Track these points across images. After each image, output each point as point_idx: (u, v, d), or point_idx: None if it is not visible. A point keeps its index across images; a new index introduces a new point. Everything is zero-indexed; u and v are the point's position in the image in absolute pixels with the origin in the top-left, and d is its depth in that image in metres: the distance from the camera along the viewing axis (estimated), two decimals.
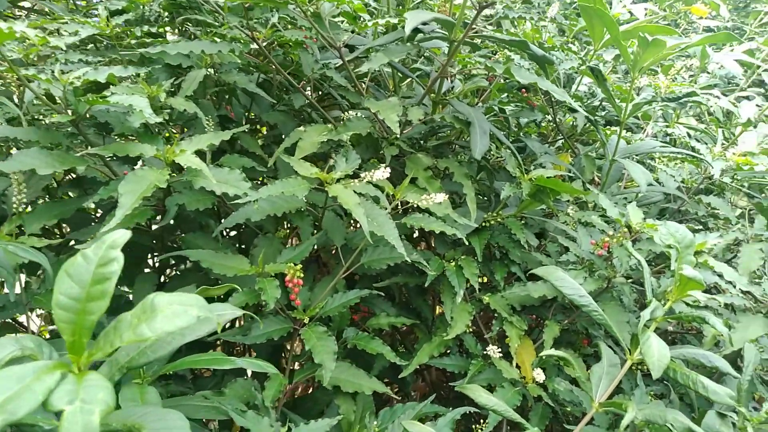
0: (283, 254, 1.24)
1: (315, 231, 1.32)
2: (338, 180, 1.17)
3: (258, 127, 1.71)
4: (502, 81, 1.83)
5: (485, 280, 1.52)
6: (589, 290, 1.28)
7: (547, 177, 1.34)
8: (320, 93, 1.74)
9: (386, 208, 1.17)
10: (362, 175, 1.14)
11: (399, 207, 1.29)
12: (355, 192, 1.12)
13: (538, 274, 1.19)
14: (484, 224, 1.46)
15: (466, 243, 1.39)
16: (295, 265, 1.21)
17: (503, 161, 1.68)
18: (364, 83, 1.63)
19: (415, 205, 1.24)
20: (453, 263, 1.39)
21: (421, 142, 1.58)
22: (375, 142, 1.45)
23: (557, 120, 1.85)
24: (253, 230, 1.41)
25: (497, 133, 1.47)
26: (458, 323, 1.34)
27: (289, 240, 1.54)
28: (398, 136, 1.35)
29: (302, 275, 1.18)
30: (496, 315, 1.40)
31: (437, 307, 1.66)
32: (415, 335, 1.58)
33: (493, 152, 1.66)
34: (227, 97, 1.56)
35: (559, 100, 1.54)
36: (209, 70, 1.37)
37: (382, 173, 1.12)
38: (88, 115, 1.14)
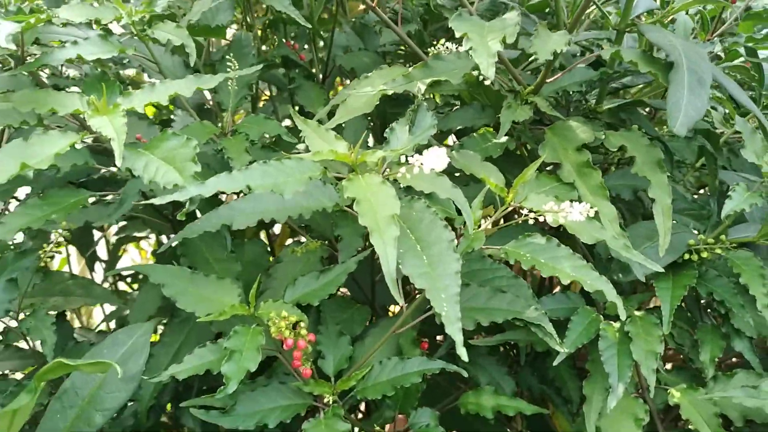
0: (298, 285, 0.74)
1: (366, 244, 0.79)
2: (386, 165, 0.63)
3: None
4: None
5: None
6: None
7: None
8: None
9: (446, 226, 0.59)
10: (414, 159, 0.58)
11: (514, 217, 0.70)
12: (394, 191, 0.57)
13: None
14: (687, 256, 0.80)
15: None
16: (309, 308, 0.70)
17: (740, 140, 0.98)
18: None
19: (541, 218, 0.65)
20: (615, 326, 0.76)
21: (586, 101, 0.93)
22: (499, 100, 0.86)
23: None
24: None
25: (732, 90, 0.79)
26: None
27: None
28: (524, 87, 0.75)
29: (305, 331, 0.67)
30: (690, 428, 0.75)
31: None
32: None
33: (723, 120, 0.95)
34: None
35: None
36: None
37: (435, 157, 0.54)
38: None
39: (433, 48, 0.80)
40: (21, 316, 0.85)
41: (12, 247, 0.86)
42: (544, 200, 0.67)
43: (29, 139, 0.60)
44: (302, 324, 0.67)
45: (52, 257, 1.27)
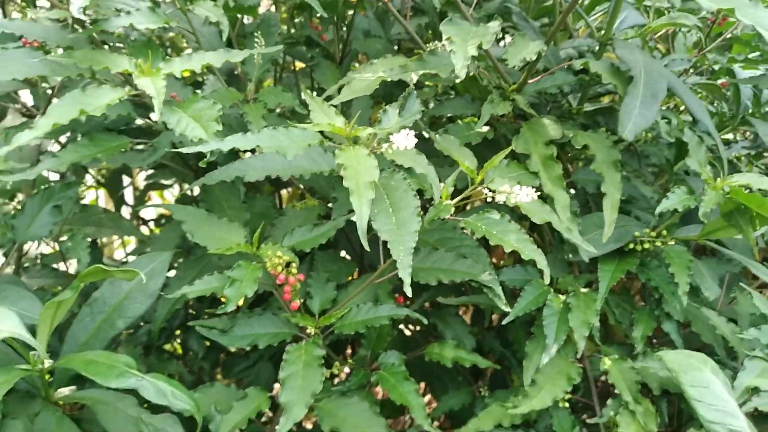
0: (295, 234, 0.88)
1: None
2: (376, 140, 0.76)
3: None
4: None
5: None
6: None
7: (748, 189, 0.75)
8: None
9: (415, 195, 0.72)
10: (394, 137, 0.71)
11: (481, 197, 0.83)
12: (376, 162, 0.70)
13: (665, 361, 0.66)
14: (633, 246, 0.92)
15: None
16: (305, 254, 0.84)
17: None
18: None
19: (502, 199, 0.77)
20: (562, 298, 0.89)
21: (568, 102, 1.05)
22: (487, 94, 0.98)
23: None
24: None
25: (692, 104, 0.90)
26: (543, 393, 0.85)
27: None
28: (509, 84, 0.87)
29: (295, 270, 0.81)
30: (615, 392, 0.88)
31: None
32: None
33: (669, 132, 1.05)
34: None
35: None
36: None
37: (404, 137, 0.67)
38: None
39: (429, 44, 0.92)
40: (63, 238, 1.00)
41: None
42: (502, 183, 0.80)
43: (85, 90, 0.74)
44: (293, 264, 0.81)
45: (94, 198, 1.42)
